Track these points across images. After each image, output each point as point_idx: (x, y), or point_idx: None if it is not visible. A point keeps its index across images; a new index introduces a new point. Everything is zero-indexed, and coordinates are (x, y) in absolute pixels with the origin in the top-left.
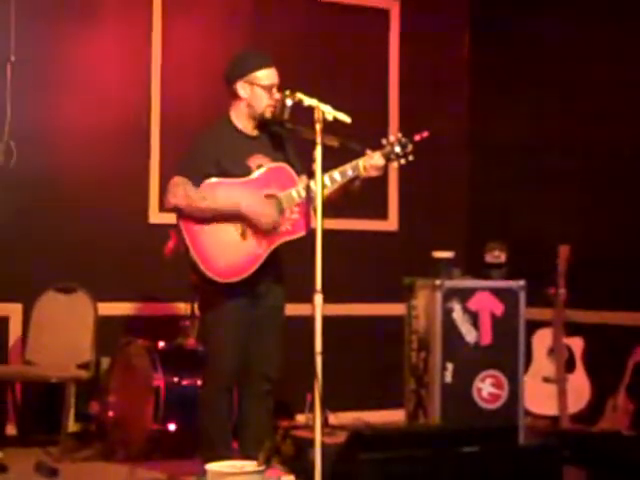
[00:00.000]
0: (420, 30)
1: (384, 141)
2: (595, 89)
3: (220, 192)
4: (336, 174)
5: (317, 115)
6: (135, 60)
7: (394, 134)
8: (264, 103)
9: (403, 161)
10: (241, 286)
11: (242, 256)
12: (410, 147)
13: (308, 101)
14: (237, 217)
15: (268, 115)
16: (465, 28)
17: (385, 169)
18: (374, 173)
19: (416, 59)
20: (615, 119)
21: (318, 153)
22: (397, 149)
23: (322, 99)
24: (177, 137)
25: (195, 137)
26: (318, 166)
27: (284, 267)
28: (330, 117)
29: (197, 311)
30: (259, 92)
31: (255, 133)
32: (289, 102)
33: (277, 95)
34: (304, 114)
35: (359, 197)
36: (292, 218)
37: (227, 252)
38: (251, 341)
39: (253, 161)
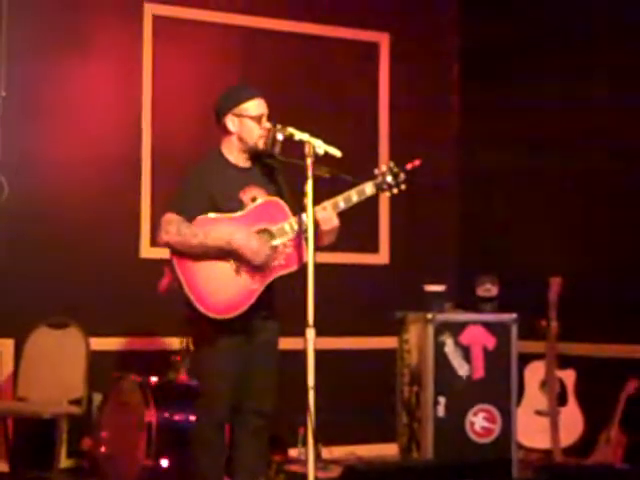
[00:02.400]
0: (409, 61)
1: (376, 171)
2: (590, 117)
3: (212, 229)
4: (328, 206)
5: (308, 149)
6: (126, 94)
7: (386, 164)
8: (255, 134)
9: (395, 190)
10: (235, 322)
11: (236, 292)
12: (402, 176)
13: (299, 135)
14: (229, 254)
15: (261, 146)
16: (455, 58)
17: (376, 200)
18: (325, 226)
19: (406, 90)
20: (610, 154)
21: (309, 187)
22: (389, 179)
23: (313, 132)
24: (168, 171)
25: (186, 172)
26: (309, 200)
27: (277, 301)
28: (321, 151)
29: (191, 346)
30: (248, 124)
31: (247, 165)
32: (280, 136)
33: (267, 125)
34: (295, 148)
35: (351, 228)
36: (286, 252)
37: (221, 288)
38: (245, 376)
39: (246, 194)
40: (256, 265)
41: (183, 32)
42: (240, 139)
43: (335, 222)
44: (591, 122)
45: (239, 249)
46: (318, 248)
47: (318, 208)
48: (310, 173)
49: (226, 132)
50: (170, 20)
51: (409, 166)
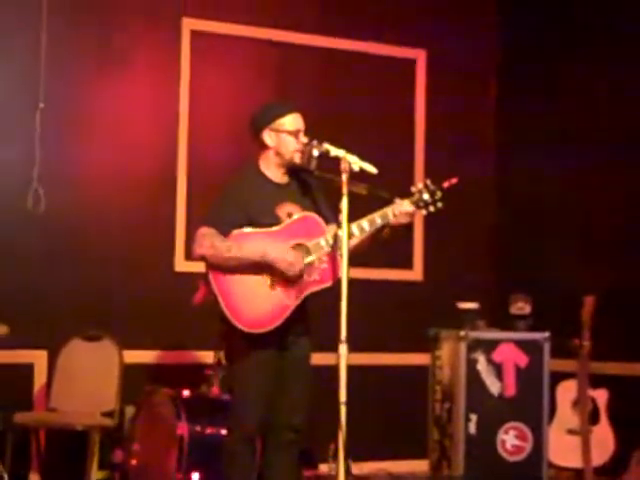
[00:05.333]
0: (446, 79)
1: (413, 188)
2: (624, 138)
3: (247, 242)
4: (365, 223)
5: (344, 165)
6: (163, 108)
7: (422, 181)
8: (292, 148)
9: (432, 208)
10: (269, 336)
11: (271, 307)
12: (439, 194)
13: (335, 151)
14: (263, 267)
15: (297, 160)
16: (492, 76)
17: (414, 216)
18: (404, 220)
19: (443, 108)
20: None
21: (344, 204)
22: (425, 196)
23: (348, 149)
24: (204, 185)
25: (223, 186)
26: (344, 217)
27: (311, 317)
28: (356, 167)
29: (224, 360)
30: (286, 138)
31: (285, 181)
32: (316, 152)
33: (304, 139)
34: (331, 164)
35: (389, 245)
36: (321, 268)
37: (256, 302)
38: (277, 391)
39: (282, 209)
40: (290, 277)
41: (220, 47)
42: (277, 154)
43: (410, 209)
44: (629, 137)
45: (273, 261)
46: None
47: (396, 205)
48: (346, 189)
49: (263, 147)
50: (208, 35)
51: (446, 184)
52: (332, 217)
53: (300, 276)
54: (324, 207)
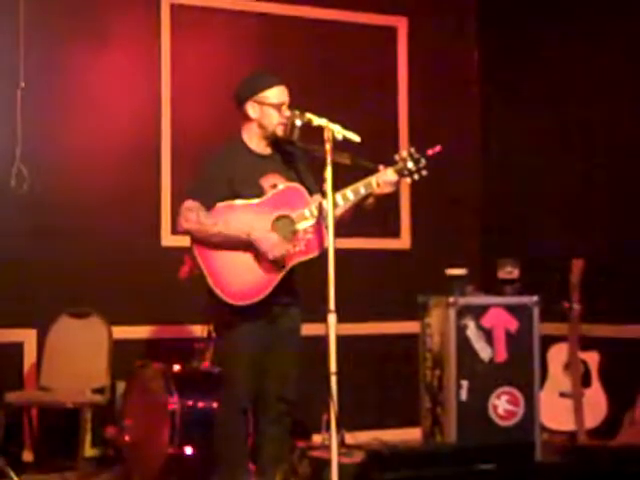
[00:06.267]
0: (428, 45)
1: (396, 157)
2: (611, 101)
3: (232, 217)
4: (349, 193)
5: (327, 135)
6: (145, 82)
7: (406, 149)
8: (275, 121)
9: (417, 177)
10: (257, 308)
11: (257, 278)
12: (423, 162)
13: (317, 121)
14: (248, 244)
15: (280, 133)
16: (474, 42)
17: (398, 185)
18: (387, 189)
19: (425, 75)
20: (632, 136)
21: (329, 173)
22: (410, 165)
23: (331, 118)
24: (188, 159)
25: (206, 158)
26: (329, 185)
27: (300, 288)
28: (340, 136)
29: (213, 333)
30: (269, 111)
31: (268, 152)
32: (298, 122)
33: (287, 113)
34: (314, 134)
35: (372, 213)
36: (306, 238)
37: (242, 274)
38: (267, 363)
39: (266, 181)
40: (270, 259)
41: (201, 20)
42: (260, 126)
43: (394, 178)
44: (613, 105)
45: (257, 242)
46: (343, 222)
47: (380, 174)
48: (329, 159)
49: (246, 118)
50: (188, 8)
51: (430, 152)
52: (315, 188)
53: (281, 259)
54: (308, 178)
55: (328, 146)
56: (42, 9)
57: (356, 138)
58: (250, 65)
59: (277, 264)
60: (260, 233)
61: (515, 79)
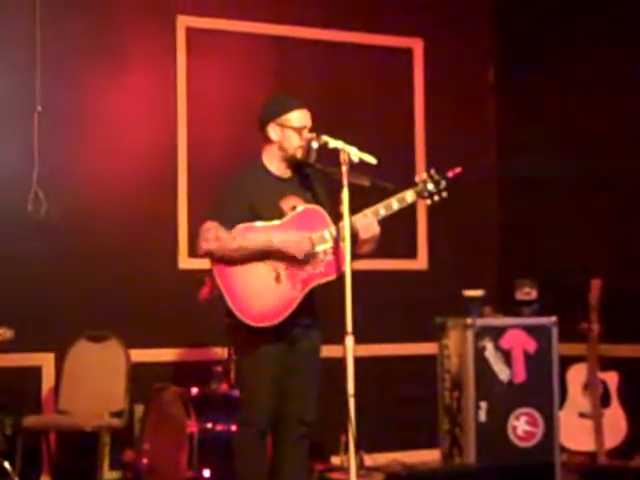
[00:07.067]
0: (444, 66)
1: (417, 179)
2: (629, 121)
3: (251, 234)
4: (369, 213)
5: (343, 157)
6: (161, 106)
7: (426, 171)
8: (295, 144)
9: (437, 198)
10: (277, 330)
11: (276, 300)
12: (443, 184)
13: (334, 143)
14: (270, 256)
15: (299, 156)
16: (490, 64)
17: (414, 206)
18: (367, 234)
19: (441, 96)
20: None
21: (345, 195)
22: (430, 186)
23: (347, 141)
24: (204, 182)
25: (227, 180)
26: (345, 208)
27: (319, 310)
28: (356, 158)
29: (232, 355)
30: (290, 134)
31: (287, 175)
32: (315, 145)
33: (308, 136)
34: (330, 156)
35: (389, 234)
36: (325, 260)
37: (261, 296)
38: (287, 385)
39: (286, 203)
40: (300, 258)
41: (216, 43)
42: (281, 148)
43: (376, 229)
44: (633, 121)
45: (280, 246)
46: (358, 256)
47: (359, 216)
48: (346, 181)
49: (267, 141)
50: (203, 32)
51: (450, 174)
52: (332, 211)
53: (310, 254)
54: (325, 201)
55: (344, 168)
56: (59, 31)
57: (372, 160)
58: (266, 88)
59: (307, 260)
60: (280, 237)
61: (531, 97)
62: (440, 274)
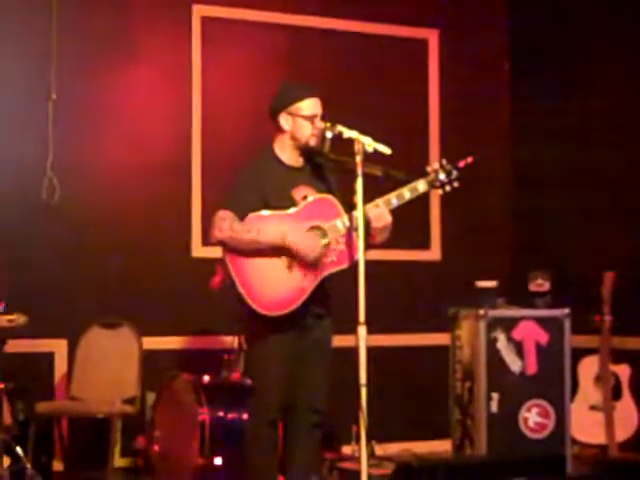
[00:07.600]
0: (459, 58)
1: (428, 168)
2: None
3: (265, 225)
4: (380, 203)
5: (357, 147)
6: (176, 94)
7: (438, 161)
8: (307, 133)
9: (448, 188)
10: (288, 319)
11: (289, 289)
12: (455, 174)
13: (348, 133)
14: (282, 250)
15: (312, 144)
16: (505, 55)
17: (427, 196)
18: (380, 223)
19: (456, 88)
20: None
21: (359, 185)
22: (442, 176)
23: (361, 130)
24: (218, 171)
25: (239, 170)
26: (359, 197)
27: (331, 299)
28: (370, 149)
29: (244, 344)
30: (301, 123)
31: (300, 164)
32: (329, 134)
33: (320, 125)
34: (344, 146)
35: (402, 224)
36: (337, 249)
37: (273, 285)
38: (298, 374)
39: (298, 192)
40: (309, 261)
41: (231, 33)
42: (293, 137)
43: (388, 219)
44: None
45: (293, 244)
46: (371, 246)
47: (370, 205)
48: (360, 171)
49: (279, 130)
50: (218, 21)
51: (462, 163)
52: (346, 200)
53: (319, 259)
54: (338, 190)
55: (359, 158)
56: (74, 22)
57: (387, 150)
58: (281, 77)
59: (314, 265)
60: (295, 236)
61: (546, 91)
62: (453, 265)
